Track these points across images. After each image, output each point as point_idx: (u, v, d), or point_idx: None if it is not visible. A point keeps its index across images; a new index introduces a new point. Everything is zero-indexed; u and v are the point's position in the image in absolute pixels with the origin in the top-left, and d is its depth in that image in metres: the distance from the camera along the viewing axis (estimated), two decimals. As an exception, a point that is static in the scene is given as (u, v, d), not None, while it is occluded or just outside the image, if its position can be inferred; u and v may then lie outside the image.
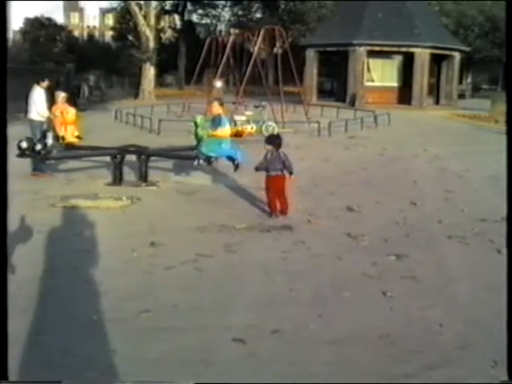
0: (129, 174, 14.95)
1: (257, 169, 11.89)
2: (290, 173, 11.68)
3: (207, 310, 7.01)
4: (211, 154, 13.66)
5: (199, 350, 5.98)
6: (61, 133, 16.31)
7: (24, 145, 13.66)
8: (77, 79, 46.43)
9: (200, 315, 6.85)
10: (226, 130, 13.92)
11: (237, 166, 13.87)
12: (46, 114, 16.46)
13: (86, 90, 44.52)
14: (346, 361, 5.87)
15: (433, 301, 7.42)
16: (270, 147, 11.67)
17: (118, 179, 14.37)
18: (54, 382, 5.41)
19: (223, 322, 6.66)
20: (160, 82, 66.40)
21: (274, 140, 11.93)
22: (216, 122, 13.90)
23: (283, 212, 11.66)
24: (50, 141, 14.28)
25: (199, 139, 14.15)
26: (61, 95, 17.50)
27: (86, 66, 65.10)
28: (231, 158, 13.89)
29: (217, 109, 14.03)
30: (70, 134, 16.59)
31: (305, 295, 7.57)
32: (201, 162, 13.80)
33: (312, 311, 7.02)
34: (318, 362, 5.83)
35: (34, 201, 12.52)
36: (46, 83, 16.83)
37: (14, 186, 13.40)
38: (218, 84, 37.70)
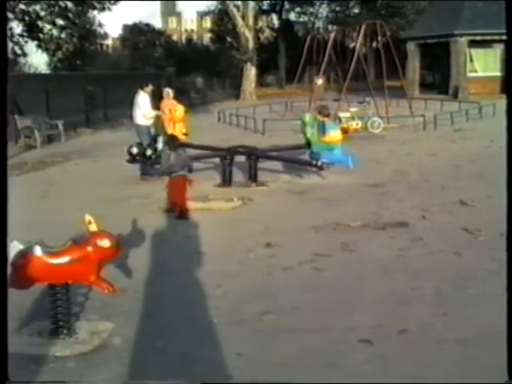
0: (237, 175, 14.98)
1: (162, 173, 12.26)
2: (190, 170, 12.19)
3: (329, 310, 6.92)
4: (323, 160, 13.59)
5: (325, 351, 5.91)
6: (169, 130, 16.41)
7: (134, 150, 13.75)
8: (180, 82, 46.93)
9: (323, 316, 6.77)
10: (336, 135, 13.84)
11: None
12: (153, 113, 16.58)
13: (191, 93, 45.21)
14: (475, 361, 5.69)
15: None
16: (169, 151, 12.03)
17: (227, 180, 14.41)
18: (54, 381, 5.44)
19: (347, 322, 6.56)
20: (260, 82, 66.52)
21: (171, 142, 12.34)
22: (321, 127, 13.86)
23: (184, 211, 11.69)
24: (160, 145, 14.37)
25: (308, 138, 14.10)
26: (168, 91, 17.65)
27: (185, 69, 65.83)
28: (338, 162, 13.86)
29: (319, 116, 14.02)
30: (178, 132, 16.59)
31: (427, 293, 7.40)
32: (317, 162, 13.71)
33: (436, 310, 6.86)
34: (446, 362, 5.68)
35: (146, 205, 12.69)
36: (150, 88, 16.89)
37: (124, 190, 13.70)
38: (319, 81, 37.48)
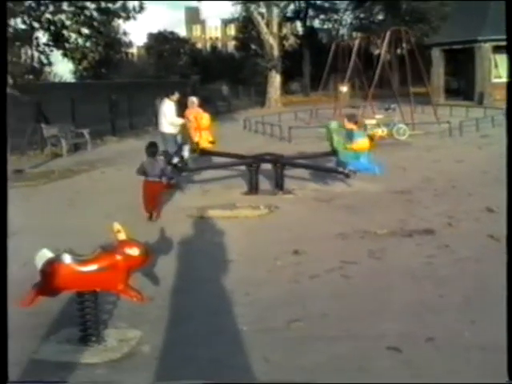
0: (263, 183, 14.98)
1: (137, 172, 12.40)
2: (170, 178, 12.62)
3: (358, 318, 6.92)
4: (350, 168, 13.57)
5: (354, 359, 5.89)
6: (195, 138, 16.41)
7: (161, 159, 13.81)
8: (205, 90, 47.07)
9: (351, 323, 6.76)
10: (364, 143, 13.80)
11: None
12: (179, 121, 16.57)
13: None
14: (503, 370, 5.64)
15: None
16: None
17: (254, 188, 14.40)
18: (54, 381, 5.45)
19: (375, 330, 6.55)
20: (285, 89, 66.50)
21: (148, 149, 12.45)
22: (349, 135, 13.84)
23: (157, 215, 12.33)
24: (186, 153, 14.41)
25: (335, 146, 14.09)
26: (193, 100, 17.66)
27: (210, 77, 66.02)
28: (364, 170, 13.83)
29: (348, 124, 14.01)
30: (205, 140, 16.61)
31: (455, 301, 7.37)
32: (344, 170, 13.70)
33: (464, 317, 6.82)
34: (474, 370, 5.65)
35: (173, 213, 12.71)
36: (176, 96, 16.91)
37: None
38: (344, 89, 37.47)
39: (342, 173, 13.84)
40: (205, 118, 17.07)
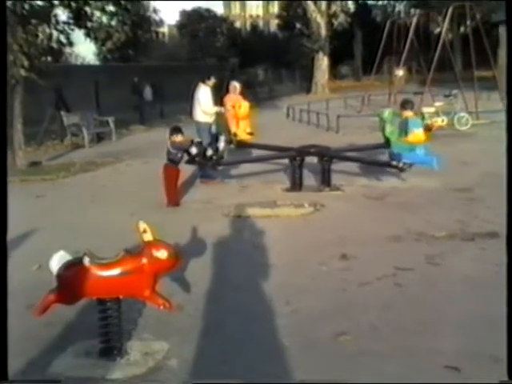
0: (308, 178, 14.94)
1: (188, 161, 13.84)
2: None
3: (412, 331, 6.84)
4: (404, 161, 13.45)
5: (407, 378, 5.83)
6: (233, 129, 16.34)
7: (194, 150, 13.52)
8: (244, 75, 47.13)
9: (404, 338, 6.68)
10: (418, 134, 13.65)
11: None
12: (215, 109, 16.48)
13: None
14: None
15: None
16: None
17: (297, 184, 14.39)
18: (53, 381, 5.43)
19: (432, 345, 6.45)
20: (334, 73, 66.41)
21: (171, 131, 13.60)
22: (403, 125, 13.72)
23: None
24: (222, 144, 14.28)
25: (387, 137, 13.99)
26: (235, 85, 17.58)
27: (251, 60, 66.07)
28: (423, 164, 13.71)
29: (403, 112, 13.89)
30: (243, 131, 16.49)
31: (524, 314, 7.26)
32: (398, 163, 13.60)
33: (536, 334, 6.71)
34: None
35: (207, 211, 12.75)
36: (212, 81, 16.76)
37: (182, 195, 13.75)
38: (400, 73, 37.28)
39: (396, 166, 13.73)
40: (244, 106, 16.83)
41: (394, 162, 13.76)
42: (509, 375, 3.96)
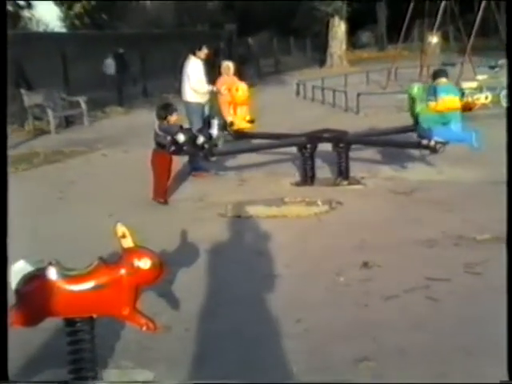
0: (321, 170, 14.96)
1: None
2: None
3: (448, 356, 6.86)
4: (437, 139, 13.40)
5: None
6: (229, 117, 16.24)
7: (181, 138, 13.23)
8: (245, 44, 47.16)
9: (439, 364, 6.70)
10: (451, 100, 13.60)
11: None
12: (206, 89, 16.38)
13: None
14: None
15: None
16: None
17: (309, 177, 14.41)
18: (54, 381, 5.46)
19: (473, 374, 6.47)
20: (353, 41, 66.43)
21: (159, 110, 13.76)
22: (432, 90, 13.71)
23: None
24: (215, 131, 14.18)
25: (417, 116, 13.95)
26: (228, 65, 17.49)
27: (251, 26, 65.93)
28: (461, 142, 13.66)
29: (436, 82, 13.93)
30: (241, 118, 16.35)
31: None
32: (429, 142, 13.53)
33: None
34: None
35: (199, 210, 12.79)
36: (204, 52, 16.55)
37: (169, 191, 13.80)
38: (434, 40, 37.29)
39: (427, 146, 13.67)
40: (241, 89, 16.46)
41: (425, 141, 13.65)
42: (509, 375, 4.18)
